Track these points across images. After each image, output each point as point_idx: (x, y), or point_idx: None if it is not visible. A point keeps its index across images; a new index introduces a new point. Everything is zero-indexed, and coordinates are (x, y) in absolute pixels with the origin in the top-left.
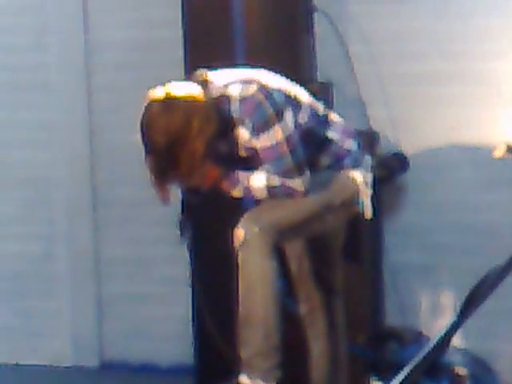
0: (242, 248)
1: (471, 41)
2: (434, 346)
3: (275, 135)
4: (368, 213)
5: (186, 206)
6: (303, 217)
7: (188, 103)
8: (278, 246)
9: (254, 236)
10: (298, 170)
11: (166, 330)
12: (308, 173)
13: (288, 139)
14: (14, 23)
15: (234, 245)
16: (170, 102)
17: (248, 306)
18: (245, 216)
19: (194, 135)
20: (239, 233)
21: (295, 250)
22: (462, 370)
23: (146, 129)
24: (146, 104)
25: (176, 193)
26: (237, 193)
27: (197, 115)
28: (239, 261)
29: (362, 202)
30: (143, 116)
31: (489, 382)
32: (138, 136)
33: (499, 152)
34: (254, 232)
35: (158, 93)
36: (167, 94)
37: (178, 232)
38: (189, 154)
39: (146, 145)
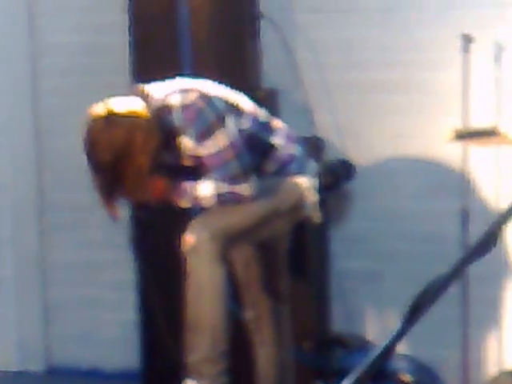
0: (191, 254)
1: (416, 51)
2: (380, 353)
3: (219, 141)
4: (316, 217)
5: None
6: (251, 222)
7: (130, 119)
8: (226, 252)
9: (204, 242)
10: (245, 175)
11: (112, 334)
12: (254, 178)
13: (232, 144)
14: None
15: (183, 250)
16: (112, 118)
17: (196, 311)
18: (194, 222)
19: (137, 150)
20: (189, 238)
21: (243, 256)
22: (407, 377)
23: (90, 147)
24: (88, 122)
25: (124, 208)
26: (185, 203)
27: (139, 130)
28: (188, 266)
29: (309, 207)
30: (86, 134)
31: None
32: (85, 156)
33: (449, 137)
34: (203, 238)
35: (100, 110)
36: (109, 110)
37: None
38: (134, 168)
39: (91, 163)
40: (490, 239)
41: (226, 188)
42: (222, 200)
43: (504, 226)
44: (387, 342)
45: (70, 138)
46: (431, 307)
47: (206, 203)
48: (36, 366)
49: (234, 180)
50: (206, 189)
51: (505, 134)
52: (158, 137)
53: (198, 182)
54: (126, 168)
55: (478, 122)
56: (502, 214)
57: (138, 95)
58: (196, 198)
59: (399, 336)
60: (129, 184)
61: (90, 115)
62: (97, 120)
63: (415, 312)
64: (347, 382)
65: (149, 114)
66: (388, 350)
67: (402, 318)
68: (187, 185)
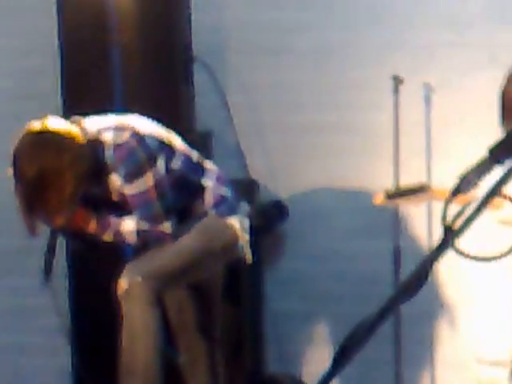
0: (124, 298)
1: (348, 92)
2: None
3: (146, 181)
4: (248, 257)
5: (51, 246)
6: (184, 263)
7: (62, 138)
8: (160, 295)
9: (136, 286)
10: (166, 215)
11: (44, 380)
12: (175, 218)
13: (157, 185)
14: None
15: (117, 295)
16: (44, 134)
17: (130, 355)
18: (127, 266)
19: (63, 170)
20: (122, 283)
21: (176, 299)
22: None
23: (17, 158)
24: (21, 135)
25: (43, 227)
26: (107, 237)
27: (69, 151)
28: (122, 311)
29: (242, 247)
30: (16, 146)
31: None
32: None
33: (379, 199)
34: (136, 282)
35: (36, 125)
36: (44, 126)
37: (43, 270)
38: (57, 189)
39: (15, 174)
40: (420, 277)
41: (147, 226)
42: (144, 237)
43: (434, 264)
44: (319, 379)
45: (4, 181)
46: (362, 347)
47: (129, 239)
48: None
49: (154, 219)
50: (129, 225)
51: (434, 190)
52: (86, 163)
53: (123, 217)
54: (48, 187)
55: (408, 171)
56: (431, 253)
57: (73, 122)
58: (119, 233)
59: (330, 376)
60: (49, 204)
61: (24, 129)
62: (29, 134)
63: (345, 353)
64: None
65: (82, 141)
66: None
67: (332, 359)
68: (111, 219)
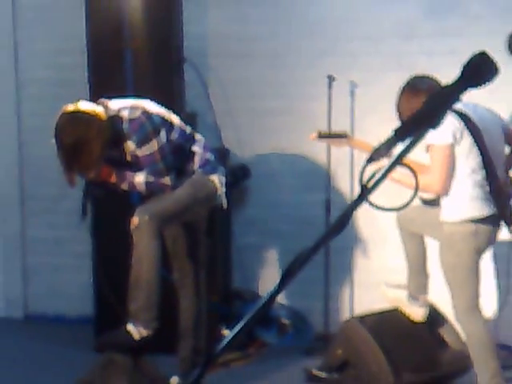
0: (135, 231)
1: (296, 86)
2: (264, 303)
3: (152, 147)
4: (224, 204)
5: (87, 193)
6: (178, 208)
7: (90, 116)
8: (160, 230)
9: (144, 223)
10: (167, 172)
11: (74, 290)
12: (174, 174)
13: (160, 149)
14: None
15: (130, 229)
16: (77, 113)
17: (137, 273)
18: (138, 208)
19: (91, 139)
20: (134, 220)
21: (172, 233)
22: (285, 321)
23: (58, 131)
24: (60, 114)
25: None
26: (124, 186)
27: (95, 125)
28: (133, 241)
29: (219, 196)
30: (57, 122)
31: (304, 330)
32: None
33: (312, 136)
34: (144, 220)
35: (70, 107)
36: (76, 107)
37: (81, 212)
38: (87, 153)
39: (57, 144)
40: (344, 220)
41: (152, 179)
42: (150, 187)
43: (353, 211)
44: (269, 294)
45: (46, 148)
46: (301, 271)
47: (139, 188)
48: (17, 313)
49: (159, 174)
50: (139, 177)
51: (352, 138)
52: (108, 134)
53: (136, 172)
54: (81, 152)
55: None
56: (351, 203)
57: (100, 105)
58: (132, 183)
59: (278, 291)
60: (82, 164)
61: (62, 110)
62: (66, 113)
63: (288, 274)
64: (241, 324)
65: (105, 117)
66: (270, 301)
67: (280, 279)
68: (127, 173)
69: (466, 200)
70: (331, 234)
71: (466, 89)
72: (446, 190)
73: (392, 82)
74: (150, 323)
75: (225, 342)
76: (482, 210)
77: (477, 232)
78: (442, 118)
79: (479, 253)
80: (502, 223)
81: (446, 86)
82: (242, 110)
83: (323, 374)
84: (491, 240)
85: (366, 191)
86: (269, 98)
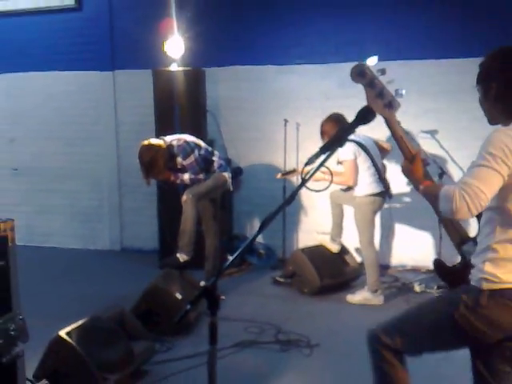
0: (184, 203)
1: (266, 125)
2: (250, 241)
3: (191, 159)
4: (230, 189)
5: (158, 187)
6: (207, 190)
7: (156, 146)
8: (198, 203)
9: (189, 198)
10: (200, 171)
11: (149, 235)
12: (204, 173)
13: (196, 160)
14: None
15: (182, 201)
16: (150, 145)
17: (183, 226)
18: (185, 191)
19: (158, 159)
20: (183, 197)
21: (203, 204)
22: (262, 251)
23: (140, 155)
24: (141, 145)
25: (154, 181)
26: (178, 182)
27: (159, 151)
28: (183, 208)
29: (229, 184)
30: (140, 150)
31: (272, 256)
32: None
33: (279, 175)
34: (189, 197)
35: (146, 141)
36: (149, 142)
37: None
38: (156, 167)
39: (140, 162)
40: (292, 196)
41: (193, 176)
42: (193, 180)
43: (298, 191)
44: (252, 237)
45: (134, 160)
46: (268, 225)
47: (186, 182)
48: (116, 247)
49: (196, 173)
50: (186, 176)
51: (299, 170)
52: (167, 155)
53: (184, 173)
54: (153, 165)
55: (290, 160)
56: (297, 187)
57: (161, 139)
58: (182, 180)
59: (257, 235)
60: (155, 172)
61: (142, 143)
62: (144, 145)
63: (263, 225)
64: (237, 253)
65: (164, 146)
66: (253, 240)
67: (259, 228)
68: (179, 175)
69: (366, 184)
70: (286, 204)
71: (358, 125)
72: (355, 183)
73: (318, 123)
74: (189, 252)
75: (228, 262)
76: (375, 188)
77: (374, 201)
78: (346, 142)
79: (374, 213)
80: (386, 196)
81: (348, 123)
82: (237, 138)
83: (282, 280)
84: (381, 206)
85: (304, 181)
86: (252, 132)
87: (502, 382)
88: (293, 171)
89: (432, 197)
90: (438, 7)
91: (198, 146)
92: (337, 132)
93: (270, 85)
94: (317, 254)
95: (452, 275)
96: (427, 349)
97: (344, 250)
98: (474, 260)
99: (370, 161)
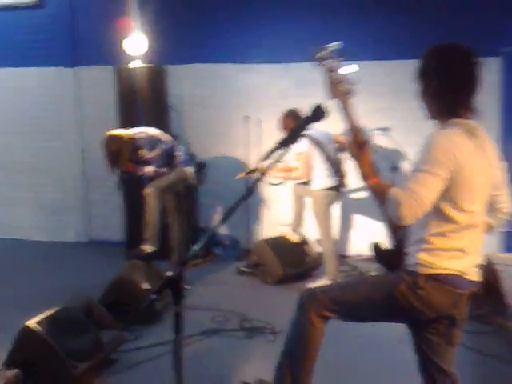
0: (147, 196)
1: (229, 120)
2: (212, 232)
3: (155, 152)
4: (194, 182)
5: (121, 178)
6: (170, 184)
7: (121, 137)
8: (161, 195)
9: (152, 191)
10: (164, 165)
11: (115, 227)
12: (168, 167)
13: (159, 154)
14: None
15: (144, 194)
16: (114, 135)
17: (148, 219)
18: (148, 184)
19: (122, 150)
20: (147, 190)
21: (167, 197)
22: (226, 242)
23: (104, 145)
24: (105, 136)
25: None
26: (141, 173)
27: (124, 142)
28: (146, 201)
29: (192, 177)
30: (104, 141)
31: (236, 246)
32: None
33: (241, 174)
34: (151, 190)
35: (110, 132)
36: (113, 132)
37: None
38: (120, 158)
39: (104, 152)
40: (252, 188)
41: (157, 169)
42: (155, 174)
43: (257, 185)
44: (215, 228)
45: (97, 151)
46: (234, 212)
47: (148, 174)
48: (84, 239)
49: (160, 167)
50: (149, 168)
51: (259, 168)
52: (131, 147)
53: (147, 166)
54: (118, 155)
55: (254, 157)
56: (255, 181)
57: (125, 130)
58: (146, 172)
59: (221, 224)
60: (118, 164)
61: (107, 133)
62: (109, 135)
63: (226, 216)
64: (200, 243)
65: (129, 138)
66: (215, 231)
67: (222, 219)
68: (142, 167)
69: (321, 178)
70: (246, 197)
71: (311, 122)
72: (310, 177)
73: (276, 118)
74: (154, 243)
75: (192, 252)
76: (329, 182)
77: (328, 195)
78: (299, 138)
79: (329, 205)
80: (340, 189)
81: (302, 120)
82: (201, 134)
83: (246, 270)
84: (335, 199)
85: (261, 176)
86: (215, 127)
87: (439, 355)
88: (254, 170)
89: (379, 195)
90: (388, 10)
91: (163, 140)
92: (291, 129)
93: (232, 83)
94: (279, 244)
95: (388, 258)
96: (366, 318)
97: (305, 241)
98: (408, 249)
99: (324, 155)
